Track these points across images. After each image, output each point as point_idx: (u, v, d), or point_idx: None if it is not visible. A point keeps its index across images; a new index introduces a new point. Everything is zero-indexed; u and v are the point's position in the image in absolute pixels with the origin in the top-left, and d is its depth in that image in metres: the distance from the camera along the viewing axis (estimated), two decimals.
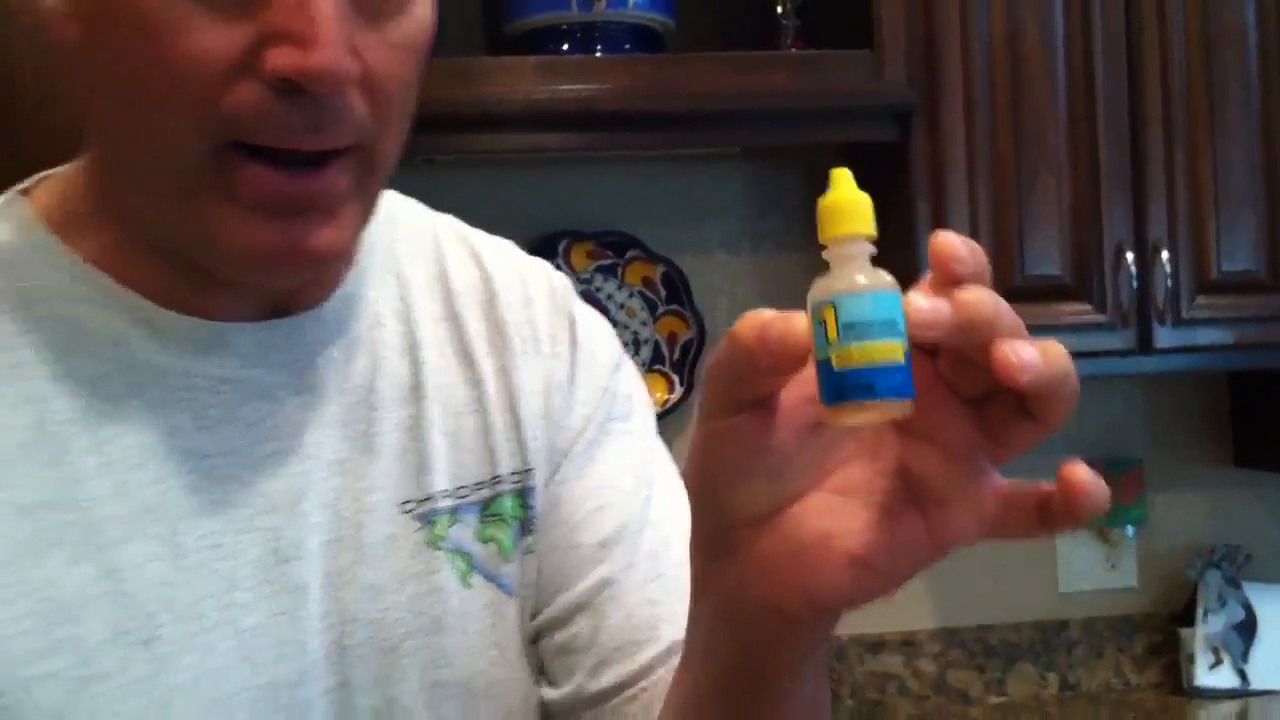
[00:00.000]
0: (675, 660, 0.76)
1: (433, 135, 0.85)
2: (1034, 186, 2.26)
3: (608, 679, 0.83)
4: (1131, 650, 2.67)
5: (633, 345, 2.48)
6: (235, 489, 0.77)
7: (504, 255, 0.92)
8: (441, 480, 0.83)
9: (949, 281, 0.56)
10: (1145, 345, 2.29)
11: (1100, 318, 2.27)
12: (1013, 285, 2.24)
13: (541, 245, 2.45)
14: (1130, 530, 2.66)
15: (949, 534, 0.60)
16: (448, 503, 0.82)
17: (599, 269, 2.48)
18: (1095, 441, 2.66)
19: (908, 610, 2.62)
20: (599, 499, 0.87)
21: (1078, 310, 2.27)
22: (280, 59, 0.68)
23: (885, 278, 0.57)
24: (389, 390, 0.83)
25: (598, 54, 2.21)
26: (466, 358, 0.86)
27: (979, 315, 0.56)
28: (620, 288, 2.49)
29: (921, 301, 0.55)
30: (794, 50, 2.33)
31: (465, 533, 0.82)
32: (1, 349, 0.75)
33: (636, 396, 0.92)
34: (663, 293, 2.52)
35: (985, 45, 2.25)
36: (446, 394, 0.85)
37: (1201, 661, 2.56)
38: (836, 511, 0.60)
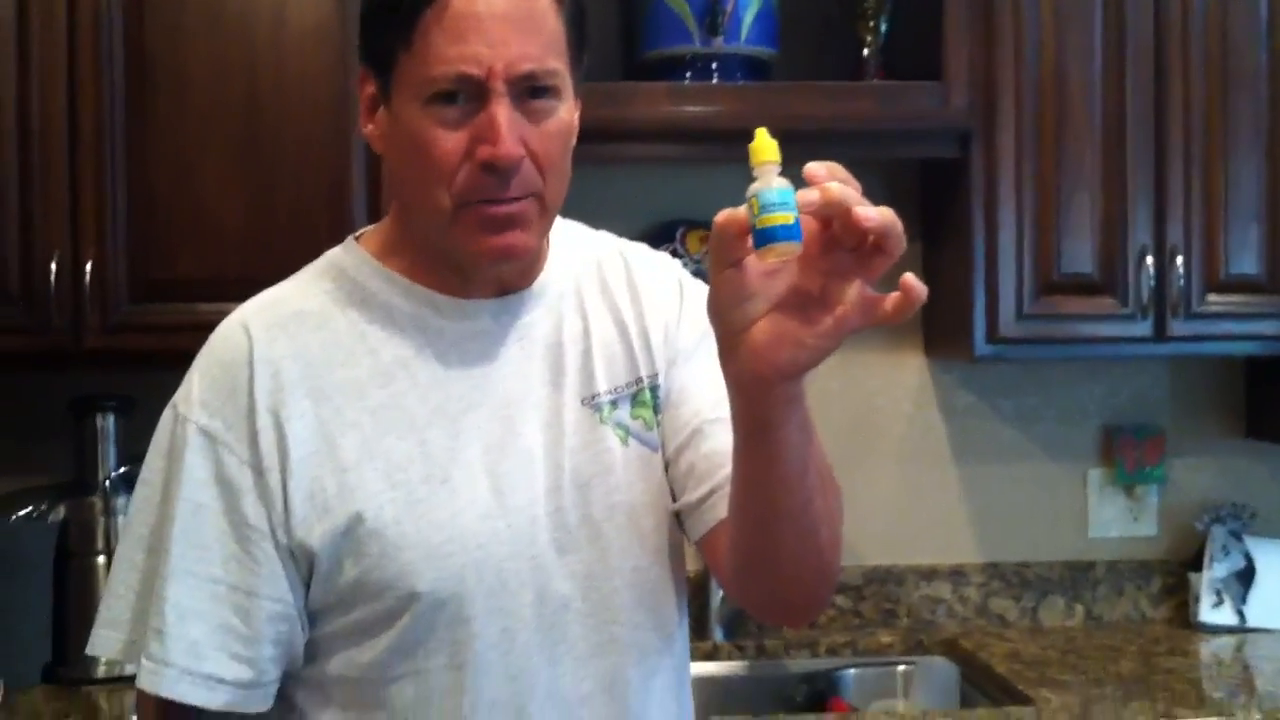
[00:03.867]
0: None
1: (584, 145, 1.28)
2: (1071, 198, 2.60)
3: (700, 491, 1.32)
4: (1148, 589, 3.00)
5: None
6: (488, 396, 1.30)
7: (638, 249, 1.46)
8: (603, 384, 1.34)
9: (818, 183, 1.00)
10: (1161, 334, 2.63)
11: (1124, 309, 2.62)
12: (1051, 280, 2.61)
13: (664, 230, 2.86)
14: (1153, 488, 3.01)
15: (842, 321, 1.03)
16: (609, 397, 1.34)
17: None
18: (1125, 411, 3.01)
19: (958, 546, 2.98)
20: (690, 387, 1.36)
21: (1105, 303, 2.62)
22: (483, 153, 1.21)
23: (783, 181, 0.99)
24: (569, 336, 1.35)
25: (715, 81, 2.58)
26: (615, 311, 1.38)
27: (835, 196, 0.99)
28: None
29: (806, 193, 1.00)
30: (876, 81, 2.68)
31: (623, 414, 1.34)
32: (354, 323, 1.30)
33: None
34: None
35: (1034, 80, 2.59)
36: (604, 334, 1.37)
37: (1206, 601, 2.89)
38: (781, 319, 1.04)
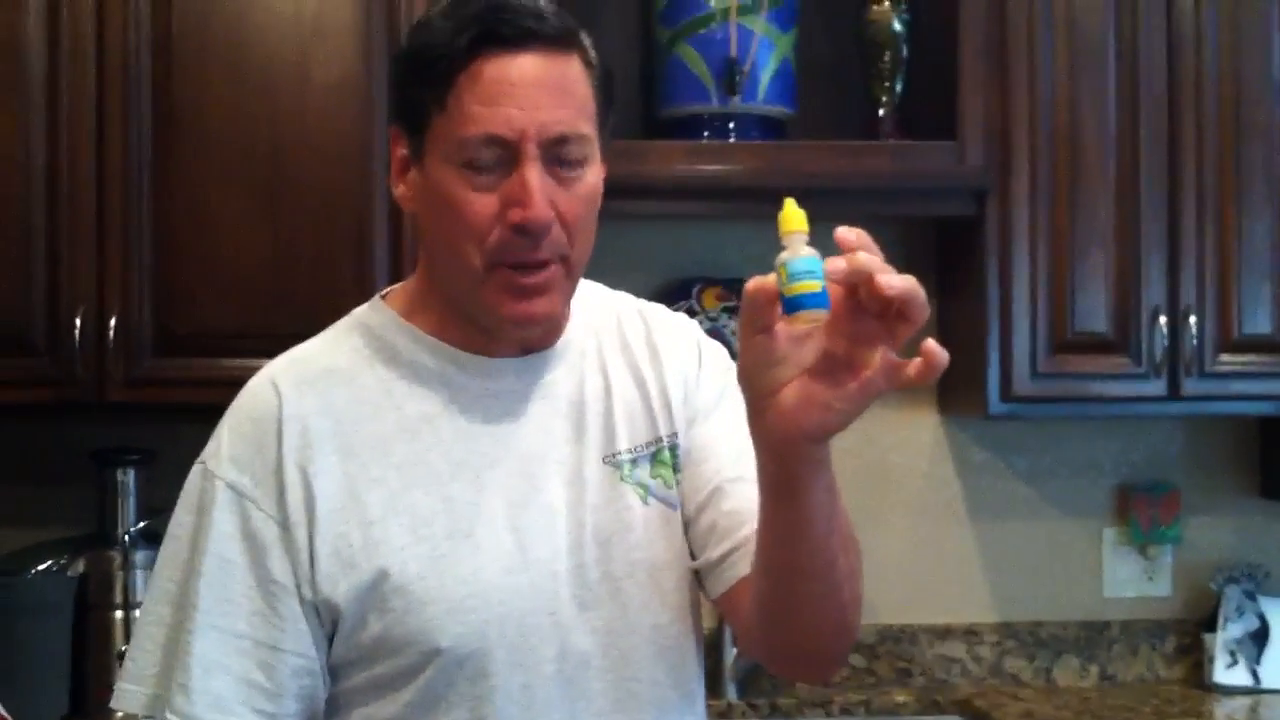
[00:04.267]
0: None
1: (602, 201, 1.31)
2: (1085, 256, 2.63)
3: (721, 549, 1.34)
4: (1163, 649, 2.99)
5: None
6: (510, 452, 1.32)
7: (657, 310, 1.48)
8: (624, 443, 1.36)
9: (847, 249, 1.03)
10: (1174, 393, 2.65)
11: (1137, 369, 2.64)
12: (1064, 338, 2.63)
13: (680, 286, 2.89)
14: (1168, 548, 3.00)
15: (868, 385, 1.05)
16: (629, 456, 1.36)
17: (725, 309, 2.90)
18: (1139, 470, 3.01)
19: (972, 605, 2.98)
20: (710, 445, 1.38)
21: (1118, 362, 2.64)
22: (514, 216, 1.24)
23: (811, 250, 1.01)
24: (591, 395, 1.37)
25: (732, 139, 2.63)
26: (635, 370, 1.40)
27: (861, 265, 1.01)
28: None
29: (833, 261, 1.02)
30: (891, 140, 2.71)
31: (642, 473, 1.36)
32: (382, 380, 1.33)
33: (732, 385, 1.40)
34: None
35: (1049, 138, 2.62)
36: (625, 393, 1.39)
37: (1220, 662, 2.88)
38: (808, 383, 1.06)
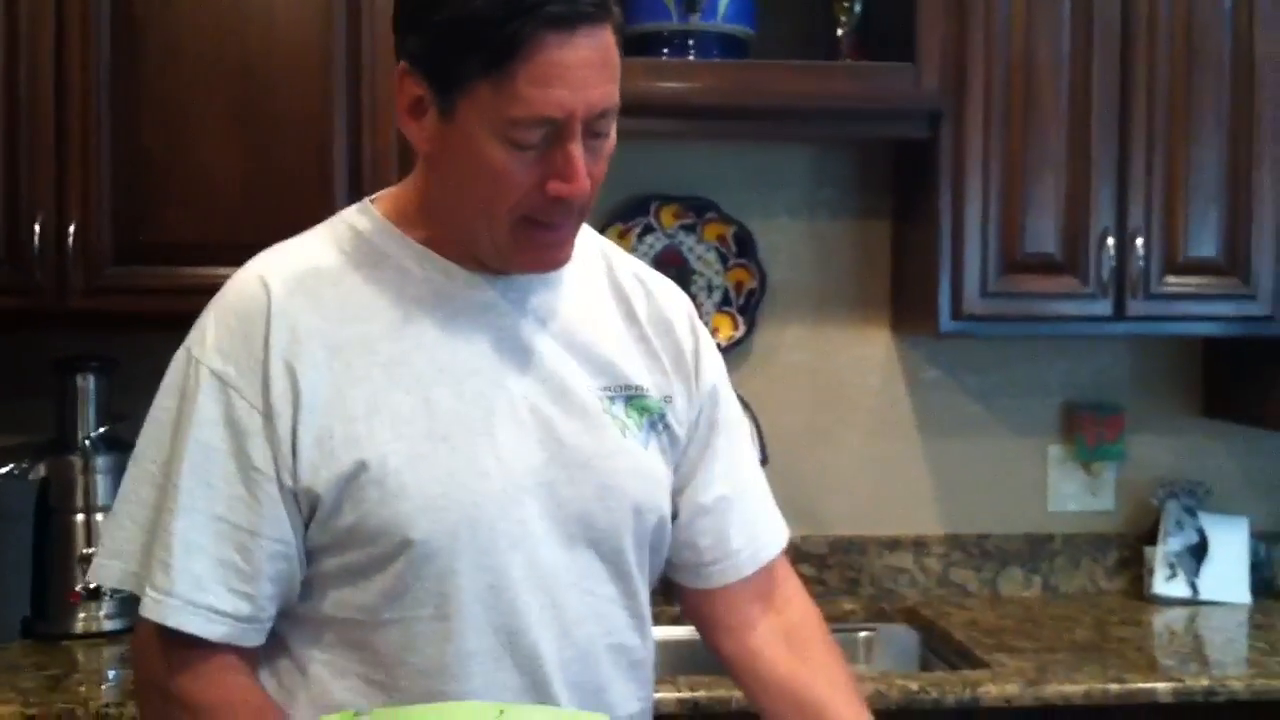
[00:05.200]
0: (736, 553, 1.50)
1: None
2: (1037, 179, 2.66)
3: (712, 555, 1.51)
4: (1104, 562, 3.08)
5: (706, 290, 2.93)
6: (492, 365, 1.36)
7: (653, 273, 1.55)
8: (607, 378, 1.42)
9: None
10: (1120, 313, 2.70)
11: (1085, 289, 2.69)
12: (1015, 259, 2.67)
13: (638, 205, 2.91)
14: (1111, 464, 3.08)
15: None
16: (609, 393, 1.41)
17: (682, 226, 2.93)
18: (1086, 389, 3.08)
19: (920, 518, 3.05)
20: (718, 448, 1.52)
21: (1067, 282, 2.69)
22: (558, 190, 1.29)
23: None
24: (577, 325, 1.43)
25: (692, 58, 2.62)
26: (630, 318, 1.47)
27: None
28: (699, 242, 2.94)
29: None
30: (849, 61, 2.73)
31: (618, 409, 1.41)
32: (369, 281, 1.37)
33: (724, 374, 1.56)
34: (733, 248, 2.94)
35: (1004, 63, 2.65)
36: (614, 333, 1.45)
37: (1160, 574, 2.98)
38: None
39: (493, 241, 1.33)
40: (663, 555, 1.50)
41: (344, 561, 1.32)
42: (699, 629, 1.59)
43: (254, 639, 1.33)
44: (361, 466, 1.30)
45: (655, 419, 1.44)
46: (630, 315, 1.47)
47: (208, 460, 1.30)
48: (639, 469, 1.42)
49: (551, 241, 1.34)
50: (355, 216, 1.41)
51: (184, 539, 1.29)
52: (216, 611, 1.30)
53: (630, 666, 1.44)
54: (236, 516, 1.30)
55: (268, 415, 1.30)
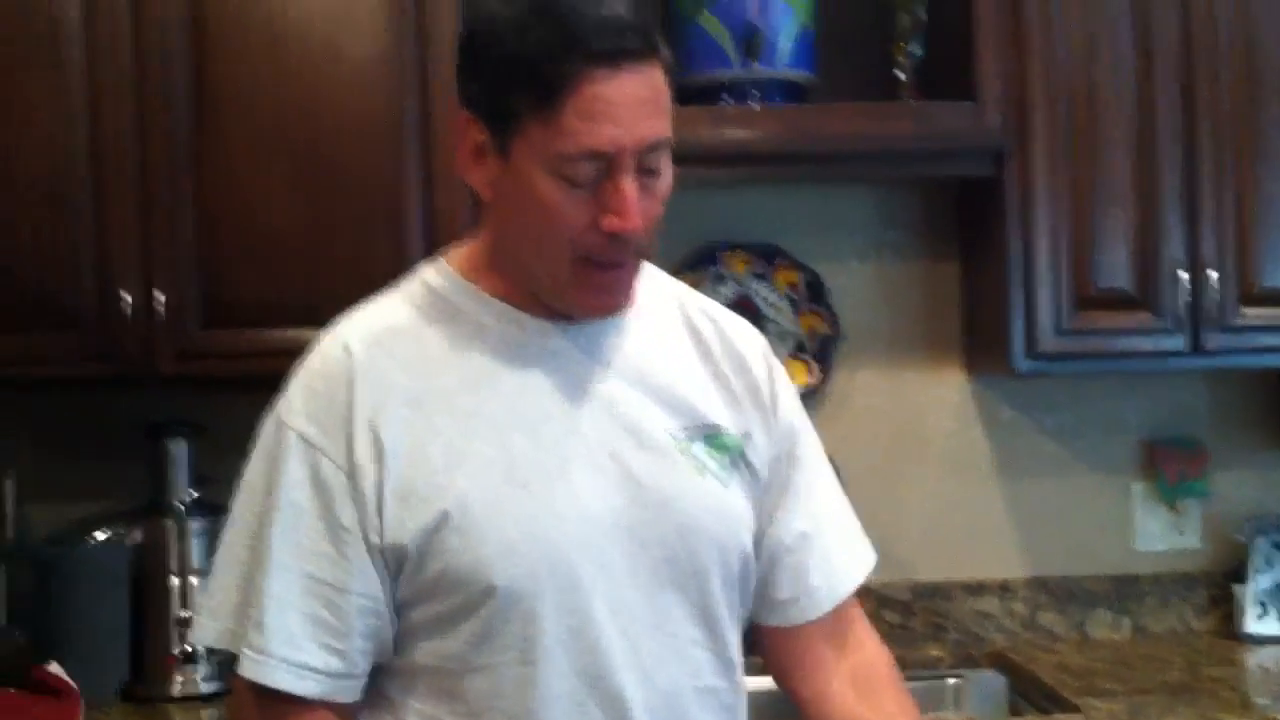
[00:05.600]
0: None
1: None
2: (1105, 214, 2.66)
3: (789, 593, 1.52)
4: (1193, 601, 3.03)
5: (778, 337, 2.92)
6: (567, 412, 1.39)
7: (725, 310, 1.57)
8: (683, 418, 1.43)
9: None
10: (1196, 347, 2.67)
11: (1159, 323, 2.67)
12: (1087, 295, 2.66)
13: (706, 251, 2.94)
14: (1196, 501, 3.04)
15: None
16: (686, 432, 1.43)
17: (752, 274, 2.95)
18: (1165, 425, 3.05)
19: (1004, 561, 3.02)
20: (804, 484, 1.52)
21: (1141, 317, 2.67)
22: (612, 224, 1.31)
23: None
24: (651, 368, 1.44)
25: (753, 105, 2.65)
26: (706, 357, 1.49)
27: None
28: (770, 290, 2.95)
29: None
30: (911, 101, 2.74)
31: (698, 449, 1.43)
32: (445, 337, 1.40)
33: (800, 409, 1.57)
34: (805, 294, 2.96)
35: (1066, 96, 2.65)
36: (689, 373, 1.47)
37: (1251, 612, 2.92)
38: None
39: (554, 283, 1.36)
40: (749, 596, 1.50)
41: (431, 611, 1.34)
42: (773, 670, 1.59)
43: (348, 695, 1.36)
44: (445, 517, 1.32)
45: (735, 456, 1.45)
46: (705, 353, 1.49)
47: (297, 520, 1.34)
48: (719, 508, 1.43)
49: (610, 282, 1.36)
50: (429, 273, 1.45)
51: (277, 597, 1.33)
52: (310, 668, 1.33)
53: (720, 710, 1.44)
54: (326, 574, 1.33)
55: (352, 474, 1.33)
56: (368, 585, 1.33)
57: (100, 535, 2.69)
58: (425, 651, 1.36)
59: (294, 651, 1.32)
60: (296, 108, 2.57)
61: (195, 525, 2.70)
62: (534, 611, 1.32)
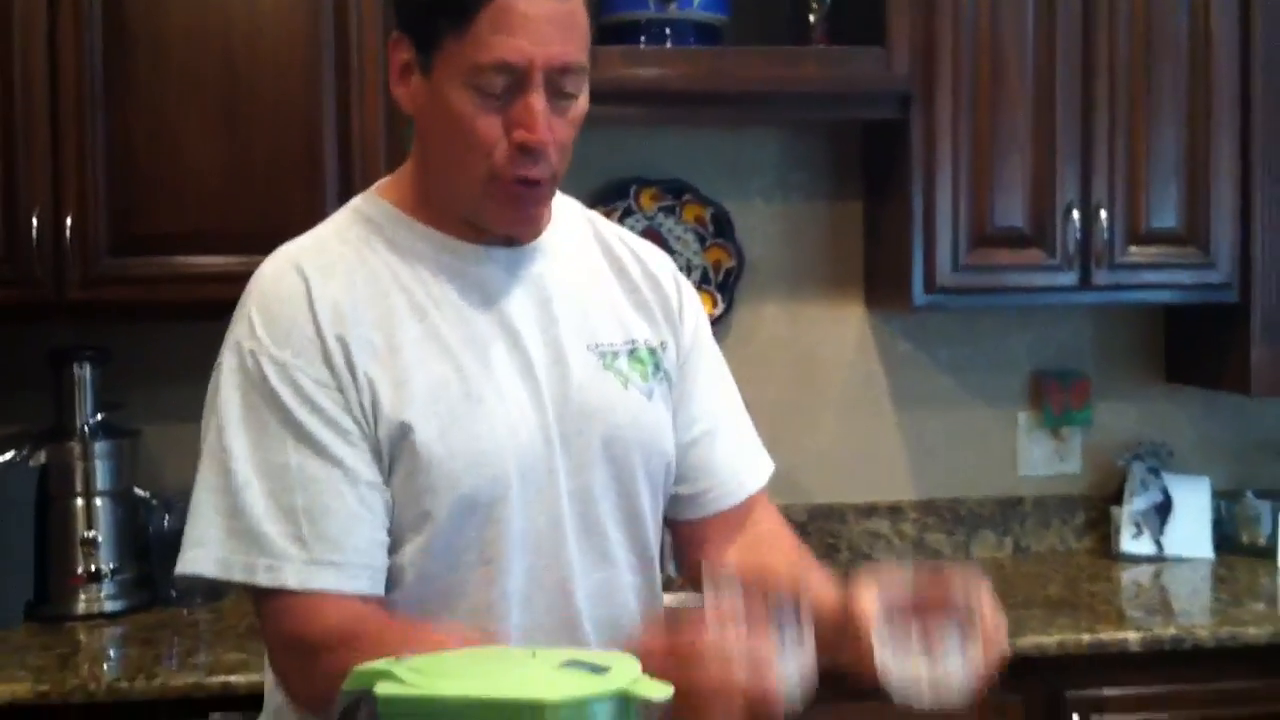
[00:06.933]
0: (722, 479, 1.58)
1: None
2: (1005, 158, 2.75)
3: (700, 485, 1.59)
4: (1073, 523, 3.19)
5: (685, 269, 2.96)
6: (505, 333, 1.46)
7: (635, 236, 1.65)
8: (604, 335, 1.52)
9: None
10: (1086, 283, 2.79)
11: (1051, 261, 2.78)
12: (984, 233, 2.76)
13: (618, 188, 2.98)
14: (1078, 430, 3.18)
15: None
16: (610, 348, 1.52)
17: (661, 208, 3.00)
18: (1052, 358, 3.18)
19: (896, 485, 3.14)
20: (700, 386, 1.60)
21: (1034, 255, 2.78)
22: (520, 137, 1.38)
23: None
24: (574, 289, 1.52)
25: (668, 45, 2.68)
26: (622, 277, 1.57)
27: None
28: (678, 223, 3.01)
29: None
30: (821, 45, 2.79)
31: (622, 364, 1.52)
32: (387, 264, 1.46)
33: (703, 321, 1.66)
34: (711, 229, 3.02)
35: (972, 46, 2.73)
36: (607, 293, 1.56)
37: (1126, 533, 3.08)
38: None
39: (471, 200, 1.43)
40: (667, 497, 1.60)
41: (403, 516, 1.41)
42: (680, 562, 1.69)
43: (380, 588, 1.40)
44: (407, 428, 1.39)
45: (654, 367, 1.55)
46: (621, 271, 1.58)
47: (305, 436, 1.37)
48: (644, 420, 1.52)
49: (526, 198, 1.42)
50: (364, 205, 1.51)
51: (308, 510, 1.35)
52: (359, 565, 1.37)
53: (646, 599, 1.54)
54: (351, 472, 1.37)
55: (337, 386, 1.38)
56: (379, 474, 1.40)
57: (4, 457, 2.67)
58: (407, 551, 1.42)
59: (333, 553, 1.35)
60: (211, 36, 2.55)
61: (99, 447, 2.71)
62: (492, 516, 1.41)
